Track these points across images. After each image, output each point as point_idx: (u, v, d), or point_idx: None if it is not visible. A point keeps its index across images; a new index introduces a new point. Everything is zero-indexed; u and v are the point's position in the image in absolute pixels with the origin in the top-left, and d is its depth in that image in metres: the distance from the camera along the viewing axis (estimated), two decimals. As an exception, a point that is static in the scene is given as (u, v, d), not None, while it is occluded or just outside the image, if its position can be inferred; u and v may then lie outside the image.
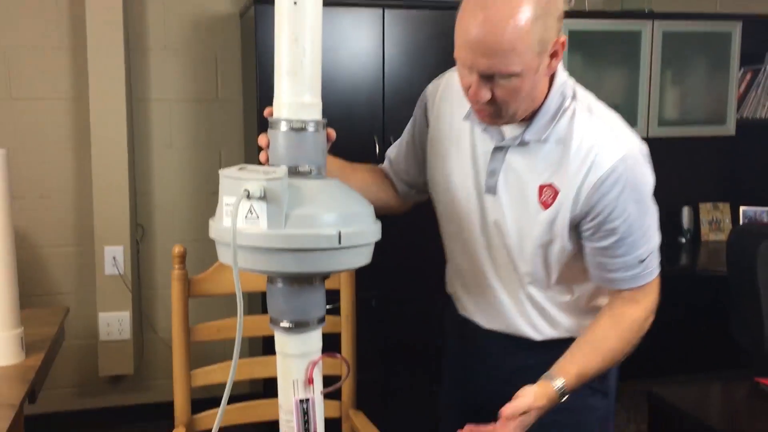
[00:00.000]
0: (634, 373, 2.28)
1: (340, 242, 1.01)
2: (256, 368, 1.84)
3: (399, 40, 2.74)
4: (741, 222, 3.71)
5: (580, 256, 1.39)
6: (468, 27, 1.20)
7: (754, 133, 3.70)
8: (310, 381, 1.11)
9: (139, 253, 3.20)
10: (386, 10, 2.72)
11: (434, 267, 2.73)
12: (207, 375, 1.78)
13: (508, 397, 1.30)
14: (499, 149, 1.38)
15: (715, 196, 3.81)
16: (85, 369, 3.20)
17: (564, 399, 1.33)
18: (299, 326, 1.08)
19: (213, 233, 1.06)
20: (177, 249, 1.72)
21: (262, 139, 1.16)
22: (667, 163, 2.64)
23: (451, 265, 1.60)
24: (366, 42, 2.71)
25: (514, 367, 1.47)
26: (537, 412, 1.30)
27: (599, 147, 1.29)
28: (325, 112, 1.10)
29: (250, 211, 0.99)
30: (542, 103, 1.32)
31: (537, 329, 1.47)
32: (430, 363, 2.89)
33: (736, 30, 3.41)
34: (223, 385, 1.15)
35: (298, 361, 1.10)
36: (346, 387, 1.86)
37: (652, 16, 3.29)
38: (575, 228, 1.35)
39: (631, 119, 3.16)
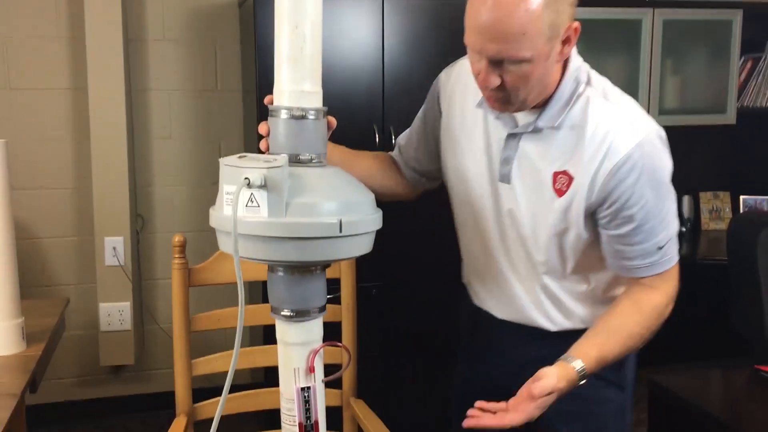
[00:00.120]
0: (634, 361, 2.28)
1: (341, 231, 1.01)
2: (257, 357, 1.84)
3: (398, 30, 2.73)
4: (741, 211, 3.71)
5: (597, 244, 1.37)
6: (478, 11, 1.18)
7: (754, 121, 3.70)
8: (311, 369, 1.11)
9: (139, 244, 3.20)
10: (386, 0, 2.71)
11: (435, 256, 2.74)
12: (208, 364, 1.78)
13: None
14: (513, 136, 1.36)
15: (716, 184, 3.81)
16: (86, 359, 3.21)
17: (582, 383, 1.30)
18: (300, 315, 1.08)
19: (214, 222, 1.06)
20: (177, 238, 1.72)
21: (262, 128, 1.15)
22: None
23: (465, 254, 1.58)
24: (365, 31, 2.70)
25: (528, 357, 1.43)
26: (557, 394, 1.27)
27: (615, 133, 1.27)
28: (325, 101, 1.09)
29: (250, 199, 0.98)
30: (555, 89, 1.30)
31: (551, 320, 1.45)
32: (431, 352, 2.90)
33: (736, 18, 3.40)
34: (223, 375, 1.15)
35: (299, 349, 1.10)
36: (347, 376, 1.86)
37: (653, 4, 3.28)
38: (591, 216, 1.33)
39: (631, 108, 3.14)
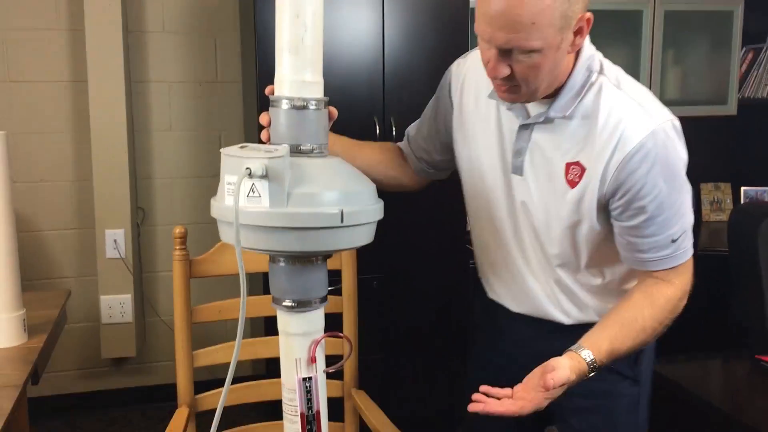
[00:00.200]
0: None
1: (342, 221, 1.01)
2: (258, 348, 1.84)
3: (399, 21, 2.72)
4: (742, 202, 3.70)
5: (611, 237, 1.34)
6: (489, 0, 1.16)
7: (755, 113, 3.69)
8: (312, 360, 1.11)
9: (140, 236, 3.20)
10: (386, -9, 2.70)
11: (436, 248, 2.74)
12: (209, 356, 1.78)
13: None
14: (525, 127, 1.34)
15: (716, 176, 3.81)
16: (87, 352, 3.21)
17: (591, 375, 1.28)
18: (302, 305, 1.08)
19: (215, 212, 1.05)
20: (178, 230, 1.72)
21: (263, 118, 1.15)
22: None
23: (478, 247, 1.56)
24: (366, 23, 2.70)
25: (543, 350, 1.38)
26: (568, 386, 1.25)
27: (627, 122, 1.24)
28: (326, 93, 1.09)
29: (252, 189, 0.98)
30: (567, 79, 1.28)
31: (566, 313, 1.44)
32: (432, 345, 2.90)
33: (738, 9, 3.39)
34: (225, 366, 1.15)
35: (300, 340, 1.11)
36: (349, 366, 1.86)
37: (654, -6, 3.28)
38: (604, 208, 1.31)
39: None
